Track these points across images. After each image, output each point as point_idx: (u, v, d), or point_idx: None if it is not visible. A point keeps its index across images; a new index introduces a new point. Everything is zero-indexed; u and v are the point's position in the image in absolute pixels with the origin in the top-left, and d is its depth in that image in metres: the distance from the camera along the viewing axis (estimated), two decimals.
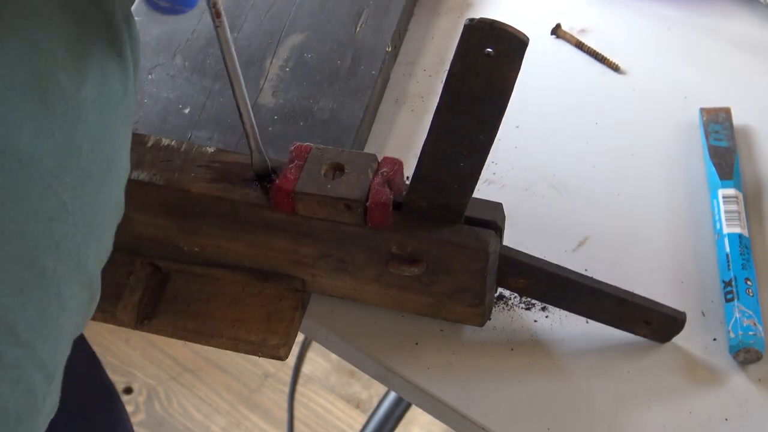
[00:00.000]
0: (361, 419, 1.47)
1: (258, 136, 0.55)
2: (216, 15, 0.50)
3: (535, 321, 0.60)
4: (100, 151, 0.43)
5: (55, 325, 0.41)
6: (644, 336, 0.59)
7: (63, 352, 0.42)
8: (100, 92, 0.43)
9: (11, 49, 0.38)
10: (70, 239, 0.41)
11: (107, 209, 0.45)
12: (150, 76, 0.70)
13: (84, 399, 0.84)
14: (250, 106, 0.55)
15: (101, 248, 0.45)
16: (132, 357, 1.56)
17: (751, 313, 0.58)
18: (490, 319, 0.60)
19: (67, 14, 0.41)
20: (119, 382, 1.52)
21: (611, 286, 0.57)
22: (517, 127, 0.70)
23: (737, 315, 0.58)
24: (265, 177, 0.57)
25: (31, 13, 0.39)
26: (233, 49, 0.52)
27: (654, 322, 0.57)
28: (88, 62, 0.42)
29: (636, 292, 0.57)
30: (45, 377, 0.40)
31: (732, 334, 0.58)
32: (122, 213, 0.47)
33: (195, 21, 0.74)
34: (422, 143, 0.52)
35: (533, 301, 0.61)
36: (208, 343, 0.60)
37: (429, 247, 0.55)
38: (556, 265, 0.57)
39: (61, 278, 0.41)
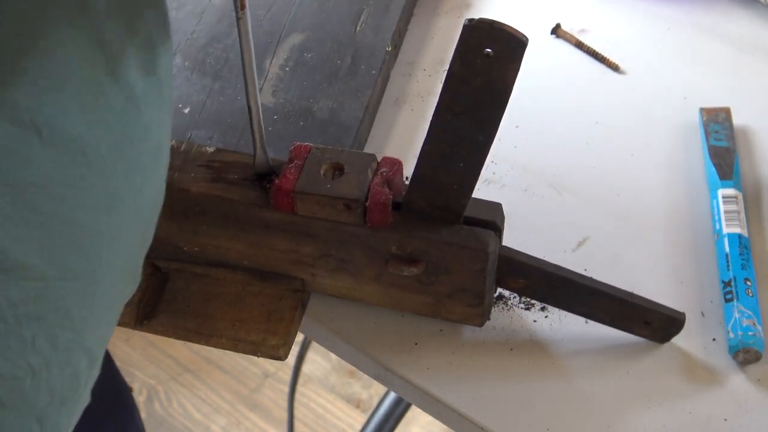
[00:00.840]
0: (361, 419, 1.47)
1: (264, 133, 0.55)
2: (240, 6, 0.50)
3: (535, 321, 0.60)
4: (150, 142, 0.44)
5: (102, 312, 0.42)
6: (644, 336, 0.59)
7: (106, 339, 0.43)
8: (150, 83, 0.44)
9: (77, 38, 0.38)
10: (120, 229, 0.42)
11: (153, 199, 0.45)
12: None
13: (96, 396, 0.84)
14: (260, 103, 0.54)
15: (146, 238, 0.46)
16: (132, 357, 1.56)
17: (750, 313, 0.58)
18: (489, 319, 0.60)
19: (129, 8, 0.42)
20: None
21: (610, 286, 0.57)
22: (517, 127, 0.70)
23: (737, 315, 0.58)
24: (265, 176, 0.57)
25: (95, 6, 0.40)
26: (251, 43, 0.52)
27: (653, 323, 0.57)
28: (143, 55, 0.43)
29: (636, 292, 0.57)
30: (89, 363, 0.41)
31: (731, 335, 0.58)
32: (162, 203, 0.47)
33: (195, 21, 0.74)
34: (422, 143, 0.52)
35: (532, 302, 0.61)
36: (207, 343, 0.60)
37: (428, 247, 0.55)
38: (556, 266, 0.57)
39: (111, 267, 0.41)
